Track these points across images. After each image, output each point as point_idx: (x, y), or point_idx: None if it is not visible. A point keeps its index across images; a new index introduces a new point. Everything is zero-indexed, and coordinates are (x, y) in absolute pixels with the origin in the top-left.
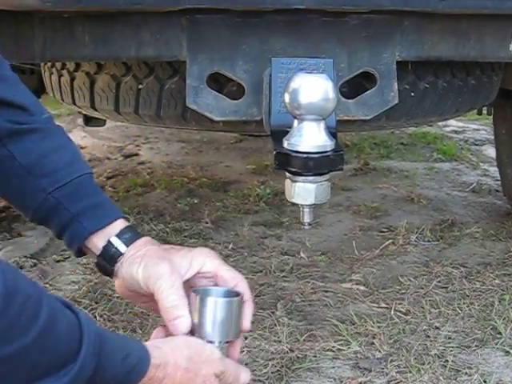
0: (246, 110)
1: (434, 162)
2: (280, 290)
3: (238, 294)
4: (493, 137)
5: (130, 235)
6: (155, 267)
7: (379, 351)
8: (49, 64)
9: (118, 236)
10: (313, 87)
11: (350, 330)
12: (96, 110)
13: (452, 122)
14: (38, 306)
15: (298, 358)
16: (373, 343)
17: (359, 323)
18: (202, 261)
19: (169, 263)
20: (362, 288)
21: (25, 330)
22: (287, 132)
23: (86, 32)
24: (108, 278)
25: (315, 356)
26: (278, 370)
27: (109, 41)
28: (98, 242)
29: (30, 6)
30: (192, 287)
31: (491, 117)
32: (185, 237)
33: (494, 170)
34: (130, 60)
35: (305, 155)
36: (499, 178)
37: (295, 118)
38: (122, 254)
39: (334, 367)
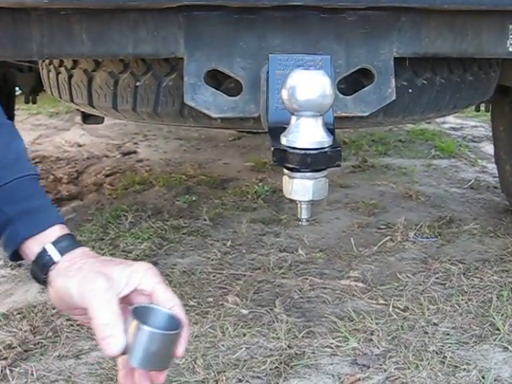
0: (243, 107)
1: (432, 159)
2: (278, 286)
3: (178, 322)
4: (491, 133)
5: (66, 244)
6: (91, 283)
7: (377, 348)
8: (46, 61)
9: (54, 244)
10: (310, 84)
11: (349, 326)
12: (94, 107)
13: (450, 118)
14: None
15: (296, 354)
16: (371, 340)
17: (357, 320)
18: (140, 278)
19: (105, 278)
20: (360, 285)
21: None
22: (285, 128)
23: (83, 29)
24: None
25: (313, 353)
26: (277, 367)
27: (106, 38)
28: (33, 247)
29: (27, 3)
30: (130, 304)
31: (489, 113)
32: (183, 234)
33: (492, 167)
34: (127, 57)
35: (302, 151)
36: (497, 175)
37: (293, 114)
38: (54, 262)
39: (332, 364)
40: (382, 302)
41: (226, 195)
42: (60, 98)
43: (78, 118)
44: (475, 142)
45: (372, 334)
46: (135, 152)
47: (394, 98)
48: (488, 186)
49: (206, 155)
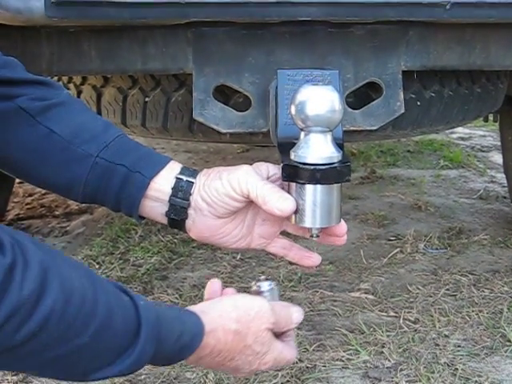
0: (252, 122)
1: (441, 169)
2: (288, 299)
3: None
4: (499, 143)
5: (191, 170)
6: (237, 172)
7: (389, 360)
8: (55, 78)
9: (182, 173)
10: (319, 99)
11: (359, 339)
12: None
13: (458, 128)
14: (94, 305)
15: (307, 368)
16: (382, 352)
17: (368, 332)
18: (266, 167)
19: (246, 166)
20: (370, 297)
21: (81, 331)
22: (294, 144)
23: (92, 46)
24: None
25: (324, 366)
26: (288, 381)
27: (115, 55)
28: (162, 186)
29: (37, 21)
30: None
31: (498, 123)
32: (193, 247)
33: (501, 177)
34: (136, 73)
35: (312, 167)
36: (506, 185)
37: (302, 130)
38: (193, 183)
39: (343, 377)
40: (393, 314)
41: None
42: None
43: None
44: (484, 151)
45: (383, 347)
46: None
47: (402, 111)
48: (497, 196)
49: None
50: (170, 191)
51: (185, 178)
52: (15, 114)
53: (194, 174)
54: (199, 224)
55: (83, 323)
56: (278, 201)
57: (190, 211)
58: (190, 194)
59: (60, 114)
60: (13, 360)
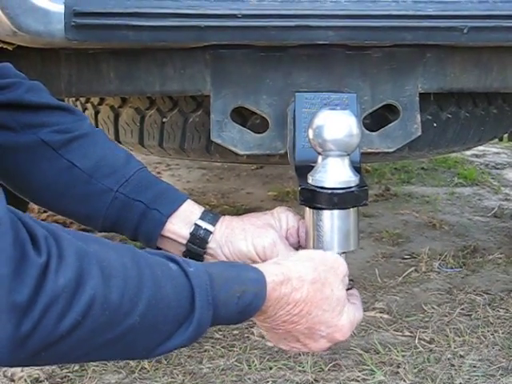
0: (270, 144)
1: (455, 187)
2: None
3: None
4: None
5: (211, 215)
6: (264, 238)
7: (404, 381)
8: (73, 98)
9: (202, 218)
10: (337, 124)
11: (375, 359)
12: (120, 142)
13: None
14: (139, 283)
15: None
16: (397, 372)
17: (383, 352)
18: (286, 217)
19: (273, 229)
20: (385, 316)
21: (129, 312)
22: (312, 167)
23: (111, 68)
24: None
25: None
26: None
27: (134, 77)
28: (180, 228)
29: (57, 43)
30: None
31: None
32: None
33: None
34: (154, 95)
35: (329, 191)
36: None
37: (319, 154)
38: (212, 233)
39: None
40: (408, 333)
41: None
42: None
43: None
44: (498, 168)
45: (398, 367)
46: None
47: (419, 133)
48: (511, 214)
49: (229, 184)
50: (187, 236)
51: (204, 225)
52: (38, 147)
53: (214, 219)
54: None
55: (130, 304)
56: None
57: (207, 256)
58: (207, 243)
59: (82, 147)
60: (64, 351)
